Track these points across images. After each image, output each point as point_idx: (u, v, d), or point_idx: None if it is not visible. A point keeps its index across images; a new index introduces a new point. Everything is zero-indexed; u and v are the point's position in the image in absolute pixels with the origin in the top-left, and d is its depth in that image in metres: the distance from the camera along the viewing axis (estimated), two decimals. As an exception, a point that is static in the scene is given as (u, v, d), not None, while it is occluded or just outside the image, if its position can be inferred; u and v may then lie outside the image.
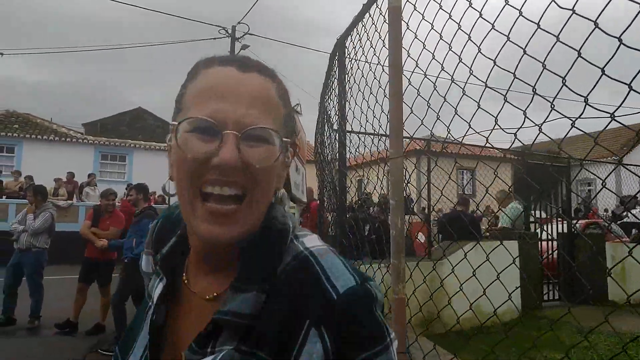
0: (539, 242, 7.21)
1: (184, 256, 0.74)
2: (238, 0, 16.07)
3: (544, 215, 8.44)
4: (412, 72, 1.84)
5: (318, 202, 6.78)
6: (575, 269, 5.92)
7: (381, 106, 2.04)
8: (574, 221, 8.70)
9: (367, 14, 2.12)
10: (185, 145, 0.62)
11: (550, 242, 7.32)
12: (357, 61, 2.31)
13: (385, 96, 2.00)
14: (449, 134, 1.84)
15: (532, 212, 7.98)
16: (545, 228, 7.32)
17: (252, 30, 18.61)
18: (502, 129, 1.66)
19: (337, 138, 4.08)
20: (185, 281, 0.72)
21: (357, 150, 2.92)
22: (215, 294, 0.67)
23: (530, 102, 1.48)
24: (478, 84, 1.63)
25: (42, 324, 6.28)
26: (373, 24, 2.05)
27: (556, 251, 7.31)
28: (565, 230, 7.56)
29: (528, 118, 1.47)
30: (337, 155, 2.78)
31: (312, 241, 0.67)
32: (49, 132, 18.92)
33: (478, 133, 1.82)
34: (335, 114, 2.80)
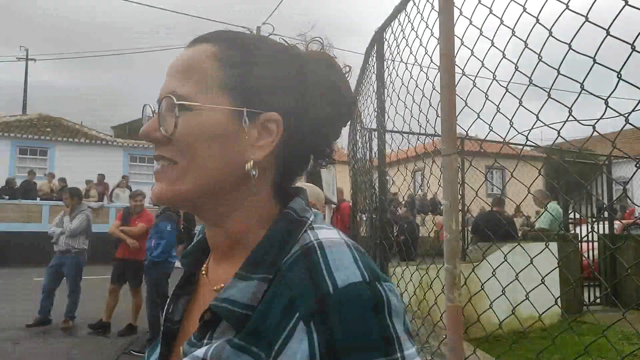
0: (579, 244, 6.93)
1: (206, 253, 0.73)
2: (262, 1, 16.09)
3: (577, 215, 8.11)
4: (467, 61, 1.70)
5: (349, 203, 6.70)
6: (619, 271, 5.63)
7: (429, 100, 1.91)
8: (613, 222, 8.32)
9: (411, 1, 2.00)
10: None
11: (591, 244, 7.01)
12: (400, 53, 2.18)
13: (433, 89, 1.87)
14: (490, 132, 1.72)
15: (570, 212, 7.68)
16: (583, 229, 7.02)
17: (277, 31, 18.57)
18: (547, 125, 1.60)
19: (370, 137, 3.97)
20: (204, 272, 0.71)
21: (392, 148, 2.80)
22: (222, 284, 0.63)
23: (577, 99, 1.37)
24: (518, 81, 1.52)
25: (76, 324, 6.37)
26: (418, 12, 1.93)
27: (596, 253, 7.00)
28: (603, 231, 7.25)
29: (574, 117, 1.36)
30: (377, 153, 2.66)
31: (327, 233, 0.60)
32: (79, 135, 19.37)
33: (521, 133, 1.73)
34: (374, 110, 2.68)
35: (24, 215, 14.00)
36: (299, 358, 0.50)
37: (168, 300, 0.72)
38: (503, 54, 1.61)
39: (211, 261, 0.70)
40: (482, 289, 1.73)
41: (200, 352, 0.57)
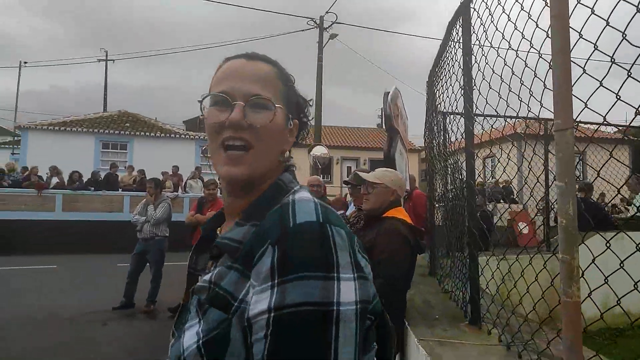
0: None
1: (223, 220, 0.96)
2: (326, -11, 15.95)
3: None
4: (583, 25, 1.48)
5: (421, 191, 6.46)
6: None
7: (533, 73, 1.70)
8: None
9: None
10: (209, 115, 0.84)
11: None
12: (495, 22, 1.97)
13: (540, 57, 1.66)
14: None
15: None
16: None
17: (340, 19, 18.35)
18: (629, 104, 1.37)
19: (447, 120, 3.72)
20: (218, 233, 0.94)
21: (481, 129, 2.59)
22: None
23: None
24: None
25: (157, 307, 6.68)
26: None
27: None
28: None
29: None
30: (464, 135, 2.46)
31: (302, 195, 0.82)
32: (155, 129, 20.39)
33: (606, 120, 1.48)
34: (460, 88, 2.48)
35: (107, 205, 14.96)
36: (264, 267, 0.70)
37: (191, 253, 0.96)
38: (607, 22, 1.39)
39: (224, 226, 0.94)
40: (606, 282, 1.52)
41: (207, 276, 0.79)
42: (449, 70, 3.09)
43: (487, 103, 2.19)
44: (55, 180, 15.16)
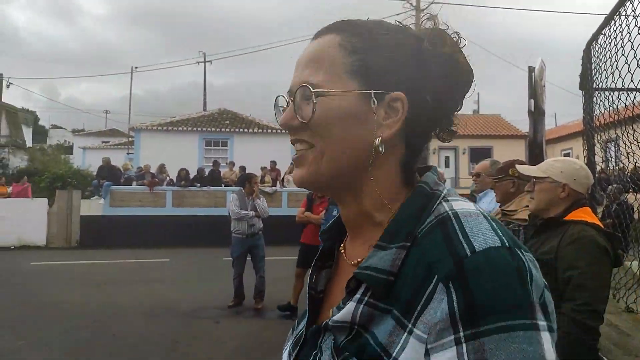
0: None
1: (344, 229, 0.76)
2: (423, -31, 15.09)
3: None
4: None
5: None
6: None
7: None
8: None
9: None
10: (278, 116, 0.73)
11: None
12: None
13: None
14: None
15: None
16: None
17: (438, -1, 17.40)
18: None
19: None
20: (342, 250, 0.75)
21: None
22: (359, 259, 0.68)
23: None
24: None
25: (265, 305, 6.59)
26: None
27: None
28: None
29: None
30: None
31: (462, 204, 0.62)
32: (253, 125, 20.94)
33: None
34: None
35: (211, 200, 15.59)
36: (439, 316, 0.52)
37: (310, 271, 0.78)
38: None
39: (348, 239, 0.76)
40: None
41: (345, 313, 0.62)
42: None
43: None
44: (167, 177, 16.14)
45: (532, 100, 3.38)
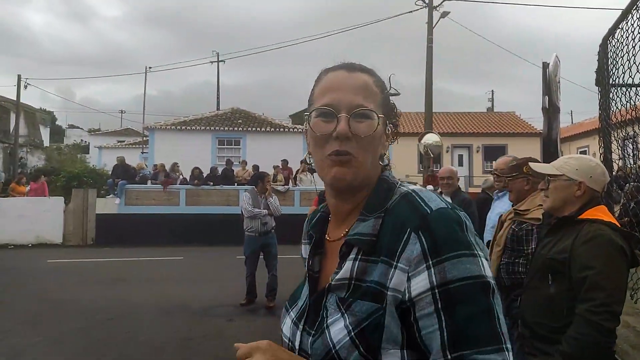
0: None
1: (327, 222, 1.02)
2: (436, -35, 14.94)
3: None
4: None
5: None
6: None
7: None
8: None
9: None
10: (315, 126, 0.91)
11: None
12: None
13: None
14: None
15: None
16: None
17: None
18: None
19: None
20: (327, 237, 1.00)
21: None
22: (345, 231, 0.93)
23: None
24: None
25: (277, 303, 6.59)
26: None
27: None
28: None
29: None
30: None
31: (413, 186, 0.92)
32: (265, 124, 20.99)
33: None
34: None
35: (224, 199, 15.66)
36: (415, 253, 0.79)
37: (307, 256, 1.02)
38: None
39: (330, 228, 1.01)
40: None
41: (342, 274, 0.86)
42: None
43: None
44: (180, 176, 16.25)
45: (547, 97, 3.32)
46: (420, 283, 0.77)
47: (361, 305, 0.81)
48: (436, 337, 0.75)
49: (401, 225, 0.82)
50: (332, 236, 0.98)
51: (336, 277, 0.86)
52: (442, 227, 0.79)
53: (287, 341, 0.95)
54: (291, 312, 0.98)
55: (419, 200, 0.84)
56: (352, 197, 0.93)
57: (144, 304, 6.84)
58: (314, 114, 0.91)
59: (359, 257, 0.85)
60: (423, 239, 0.78)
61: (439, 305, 0.75)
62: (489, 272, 0.79)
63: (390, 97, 0.99)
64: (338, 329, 0.82)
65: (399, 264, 0.79)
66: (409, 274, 0.78)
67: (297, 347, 0.91)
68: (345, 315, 0.82)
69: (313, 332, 0.87)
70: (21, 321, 5.98)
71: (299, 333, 0.92)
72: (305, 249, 1.06)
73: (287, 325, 0.97)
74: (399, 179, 0.96)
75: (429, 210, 0.81)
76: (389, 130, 0.96)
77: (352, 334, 0.79)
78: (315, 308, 0.89)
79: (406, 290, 0.78)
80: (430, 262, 0.77)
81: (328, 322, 0.84)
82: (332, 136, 0.88)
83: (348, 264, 0.85)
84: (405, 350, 0.79)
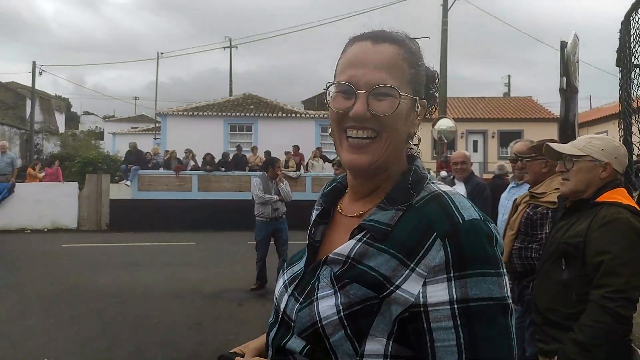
0: None
1: (340, 194, 1.00)
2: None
3: None
4: None
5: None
6: None
7: None
8: None
9: None
10: (333, 102, 0.87)
11: None
12: None
13: None
14: None
15: None
16: None
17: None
18: None
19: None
20: (339, 209, 0.97)
21: None
22: (360, 212, 0.90)
23: None
24: None
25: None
26: None
27: None
28: None
29: None
30: None
31: (446, 187, 0.87)
32: (277, 110, 20.91)
33: None
34: None
35: (236, 185, 15.71)
36: (437, 261, 0.76)
37: (310, 225, 0.98)
38: None
39: (345, 201, 0.98)
40: None
41: (342, 249, 0.84)
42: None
43: None
44: (191, 162, 16.31)
45: (564, 78, 3.19)
46: (439, 293, 0.75)
47: (357, 289, 0.79)
48: (452, 353, 0.74)
49: (427, 227, 0.78)
50: (345, 210, 0.95)
51: (336, 251, 0.85)
52: (471, 240, 0.76)
53: (274, 302, 0.96)
54: (285, 275, 0.97)
55: (453, 206, 0.80)
56: (370, 180, 0.90)
57: (156, 287, 6.91)
58: (333, 88, 0.88)
59: (364, 239, 0.83)
60: (449, 249, 0.76)
61: (458, 322, 0.74)
62: (509, 292, 0.78)
63: (429, 68, 0.93)
64: (328, 305, 0.81)
65: (417, 268, 0.77)
66: (426, 279, 0.76)
67: (281, 309, 0.90)
68: (339, 293, 0.81)
69: (301, 299, 0.86)
70: (36, 303, 6.09)
71: (286, 296, 0.91)
72: (314, 215, 1.04)
73: (278, 286, 0.97)
74: (428, 173, 0.91)
75: (460, 220, 0.78)
76: (418, 108, 0.89)
77: (342, 314, 0.79)
78: (309, 277, 0.89)
79: (420, 295, 0.76)
80: (452, 275, 0.75)
81: (318, 294, 0.83)
82: (348, 115, 0.85)
83: (350, 242, 0.84)
84: (391, 342, 0.78)
